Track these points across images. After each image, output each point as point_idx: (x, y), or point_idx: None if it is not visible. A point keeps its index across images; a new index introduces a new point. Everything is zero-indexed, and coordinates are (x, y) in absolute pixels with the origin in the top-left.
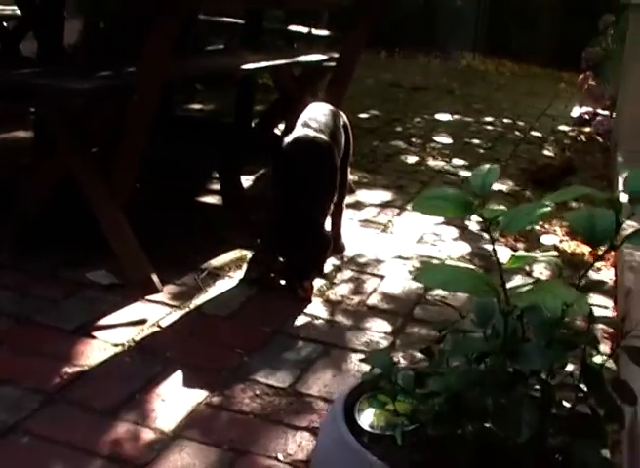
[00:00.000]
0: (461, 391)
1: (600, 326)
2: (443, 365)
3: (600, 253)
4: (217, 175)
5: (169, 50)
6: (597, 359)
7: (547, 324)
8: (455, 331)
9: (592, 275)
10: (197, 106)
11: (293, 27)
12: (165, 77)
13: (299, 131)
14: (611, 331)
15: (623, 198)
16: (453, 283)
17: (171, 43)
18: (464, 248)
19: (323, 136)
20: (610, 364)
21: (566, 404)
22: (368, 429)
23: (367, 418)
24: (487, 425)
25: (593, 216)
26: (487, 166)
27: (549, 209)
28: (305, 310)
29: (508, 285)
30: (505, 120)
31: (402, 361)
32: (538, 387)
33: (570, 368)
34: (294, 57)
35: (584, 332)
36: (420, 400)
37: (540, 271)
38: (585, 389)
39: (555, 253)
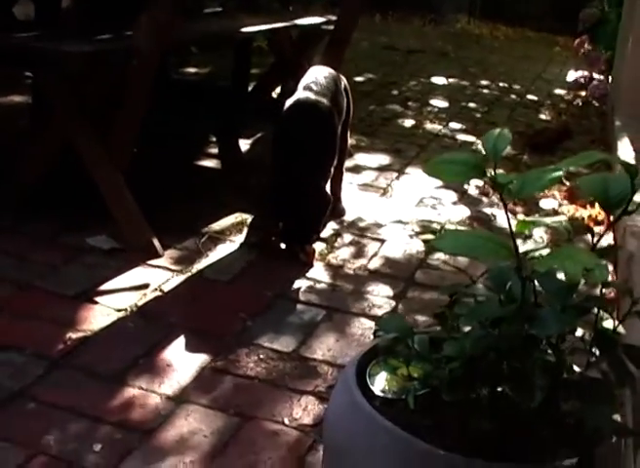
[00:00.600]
0: (476, 356)
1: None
2: (456, 329)
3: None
4: (214, 139)
5: (167, 13)
6: (607, 323)
7: (564, 289)
8: (466, 295)
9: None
10: (192, 70)
11: None
12: (163, 41)
13: (299, 94)
14: (612, 295)
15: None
16: (472, 249)
17: (168, 5)
18: (464, 211)
19: (324, 100)
20: (620, 328)
21: (577, 368)
22: (380, 394)
23: (379, 383)
24: (500, 390)
25: (607, 181)
26: (498, 130)
27: (561, 173)
28: (307, 274)
29: (521, 249)
30: (501, 84)
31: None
32: (549, 352)
33: (579, 332)
34: (291, 19)
35: (597, 297)
36: (435, 365)
37: (540, 235)
38: (597, 354)
39: (564, 218)
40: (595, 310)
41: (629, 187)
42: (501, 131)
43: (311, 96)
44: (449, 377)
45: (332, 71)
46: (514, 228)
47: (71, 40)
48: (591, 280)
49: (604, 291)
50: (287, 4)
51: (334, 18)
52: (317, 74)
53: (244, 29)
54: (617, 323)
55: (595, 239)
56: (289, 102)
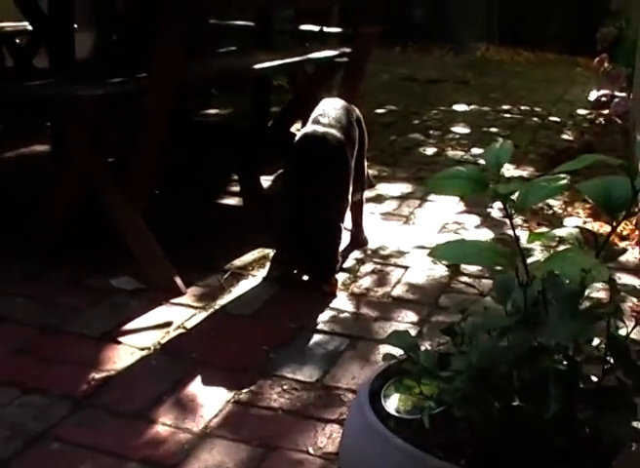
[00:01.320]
0: (485, 368)
1: (629, 303)
2: (466, 344)
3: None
4: (236, 177)
5: (180, 51)
6: (624, 331)
7: (570, 295)
8: (476, 309)
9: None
10: (213, 111)
11: (304, 27)
12: (177, 80)
13: (309, 127)
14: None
15: None
16: (467, 256)
17: (181, 44)
18: (487, 234)
19: (334, 131)
20: (636, 335)
21: (594, 378)
22: (394, 414)
23: (393, 403)
24: (514, 402)
25: (608, 184)
26: (499, 142)
27: (566, 181)
28: (330, 305)
29: (529, 261)
30: (523, 107)
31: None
32: (564, 362)
33: (597, 341)
34: (306, 54)
35: (607, 304)
36: (445, 380)
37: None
38: (612, 361)
39: (574, 229)
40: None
41: (630, 189)
42: (503, 143)
43: (320, 128)
44: (459, 392)
45: (343, 102)
46: (528, 240)
47: (84, 84)
48: (589, 281)
49: (629, 303)
50: (303, 41)
51: (348, 50)
52: (327, 106)
53: (258, 66)
54: (630, 329)
55: (606, 241)
56: (299, 136)
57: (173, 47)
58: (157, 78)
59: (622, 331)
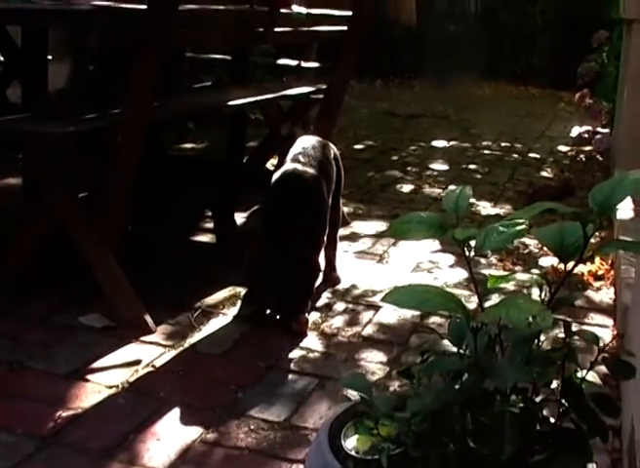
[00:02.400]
0: (440, 410)
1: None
2: (423, 386)
3: (570, 267)
4: (210, 214)
5: (150, 88)
6: (590, 375)
7: (523, 339)
8: (436, 352)
9: (592, 295)
10: (189, 145)
11: (282, 61)
12: (148, 116)
13: (286, 166)
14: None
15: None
16: (420, 303)
17: (152, 80)
18: (461, 274)
19: (311, 170)
20: (593, 378)
21: (552, 420)
22: (354, 454)
23: (353, 444)
24: (469, 445)
25: (562, 231)
26: (459, 187)
27: (524, 226)
28: (300, 344)
29: (488, 304)
30: (503, 143)
31: (397, 390)
32: (521, 404)
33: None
34: (281, 90)
35: (562, 347)
36: (402, 422)
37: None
38: (567, 404)
39: (536, 272)
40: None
41: (582, 236)
42: (462, 189)
43: (298, 166)
44: (415, 434)
45: (320, 140)
46: (490, 284)
47: (56, 121)
48: (536, 327)
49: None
50: (281, 75)
51: (324, 86)
52: (305, 144)
53: (232, 102)
54: (585, 372)
55: (558, 288)
56: (277, 174)
57: (145, 82)
58: (128, 113)
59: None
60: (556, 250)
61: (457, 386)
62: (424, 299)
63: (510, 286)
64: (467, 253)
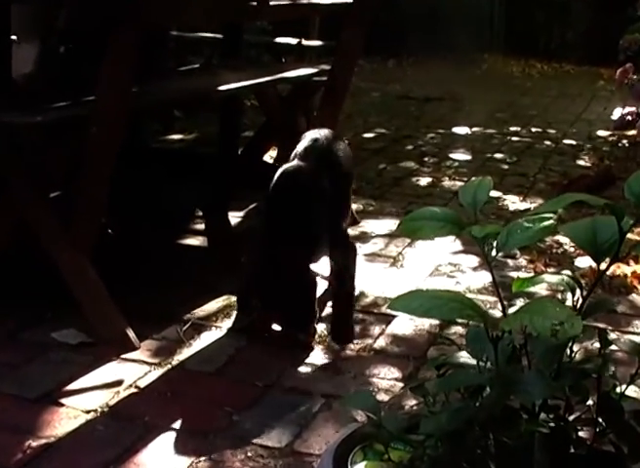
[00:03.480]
0: (458, 431)
1: None
2: (438, 404)
3: (604, 266)
4: (200, 214)
5: (129, 71)
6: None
7: (551, 349)
8: (453, 365)
9: (637, 299)
10: (176, 136)
11: (280, 39)
12: (127, 103)
13: (288, 164)
14: None
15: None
16: (430, 309)
17: (131, 63)
18: (486, 278)
19: (313, 169)
20: (634, 393)
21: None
22: None
23: None
24: None
25: (595, 226)
26: (477, 179)
27: (552, 222)
28: (304, 360)
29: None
30: (534, 129)
31: (411, 409)
32: (551, 424)
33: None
34: (279, 72)
35: (596, 358)
36: (415, 445)
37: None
38: (604, 423)
39: (567, 272)
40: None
41: (617, 232)
42: (481, 179)
43: (302, 165)
44: (430, 458)
45: (329, 135)
46: (514, 287)
47: (22, 111)
48: (564, 335)
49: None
50: (279, 55)
51: (328, 67)
52: (311, 139)
53: (223, 87)
54: (625, 387)
55: (590, 292)
56: (276, 174)
57: (123, 64)
58: (104, 100)
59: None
60: (588, 247)
61: (477, 403)
62: (436, 305)
63: (542, 290)
64: (487, 253)
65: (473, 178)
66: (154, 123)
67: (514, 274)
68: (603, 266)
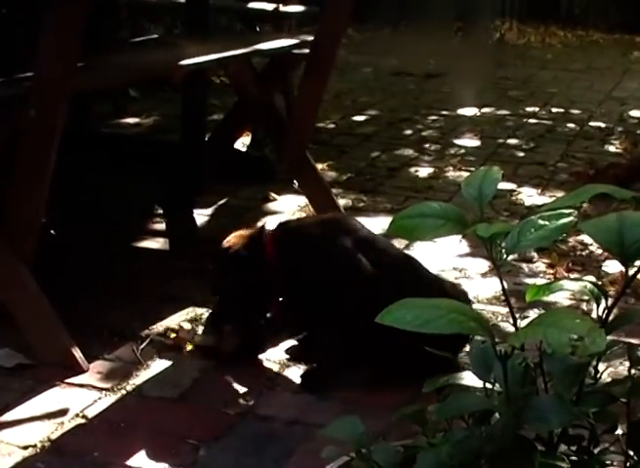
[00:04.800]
0: (461, 466)
1: None
2: (438, 434)
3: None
4: (160, 211)
5: (73, 43)
6: None
7: (573, 370)
8: (455, 387)
9: None
10: (131, 120)
11: (254, 4)
12: (72, 81)
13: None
14: None
15: None
16: (427, 322)
17: (75, 32)
18: (496, 285)
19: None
20: None
21: None
22: None
23: None
24: None
25: (621, 223)
26: (483, 169)
27: (572, 218)
28: (282, 382)
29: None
30: (554, 109)
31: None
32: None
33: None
34: (252, 44)
35: (625, 379)
36: None
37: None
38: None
39: (591, 278)
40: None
41: None
42: (488, 169)
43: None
44: None
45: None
46: (529, 296)
47: None
48: (583, 352)
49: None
50: (253, 24)
51: (310, 38)
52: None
53: (185, 61)
54: None
55: (617, 301)
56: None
57: (66, 34)
58: (44, 77)
59: None
60: (613, 248)
61: (484, 433)
62: (434, 317)
63: (563, 300)
64: (496, 256)
65: (480, 168)
66: (104, 104)
67: (530, 281)
68: (632, 271)
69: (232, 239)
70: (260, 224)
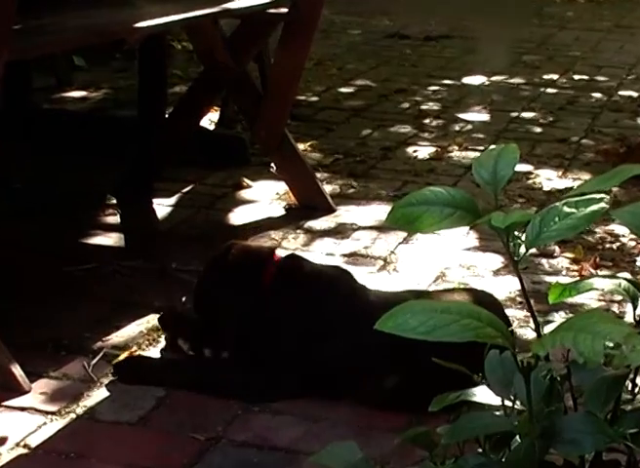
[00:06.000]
0: None
1: None
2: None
3: None
4: (113, 201)
5: (7, 2)
6: None
7: (608, 384)
8: (469, 405)
9: None
10: (77, 93)
11: None
12: (5, 48)
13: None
14: None
15: None
16: (435, 329)
17: None
18: (512, 284)
19: None
20: None
21: None
22: None
23: None
24: None
25: None
26: (496, 147)
27: (603, 205)
28: (259, 403)
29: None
30: (577, 77)
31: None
32: None
33: None
34: (220, 2)
35: None
36: None
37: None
38: None
39: (626, 275)
40: None
41: None
42: (504, 147)
43: None
44: None
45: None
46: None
47: None
48: (620, 362)
49: None
50: None
51: None
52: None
53: (141, 24)
54: None
55: None
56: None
57: None
58: None
59: None
60: None
61: (503, 458)
62: (443, 323)
63: (591, 300)
64: (514, 251)
65: (493, 147)
66: (46, 75)
67: (552, 279)
68: None
69: (236, 252)
70: (270, 245)
